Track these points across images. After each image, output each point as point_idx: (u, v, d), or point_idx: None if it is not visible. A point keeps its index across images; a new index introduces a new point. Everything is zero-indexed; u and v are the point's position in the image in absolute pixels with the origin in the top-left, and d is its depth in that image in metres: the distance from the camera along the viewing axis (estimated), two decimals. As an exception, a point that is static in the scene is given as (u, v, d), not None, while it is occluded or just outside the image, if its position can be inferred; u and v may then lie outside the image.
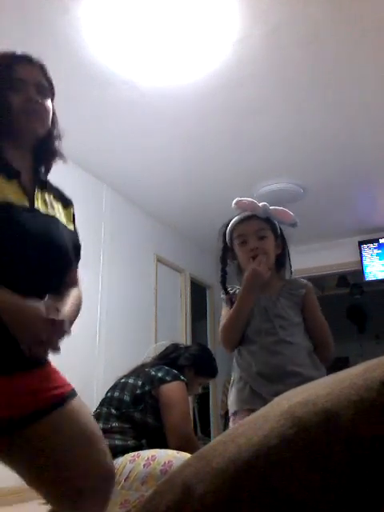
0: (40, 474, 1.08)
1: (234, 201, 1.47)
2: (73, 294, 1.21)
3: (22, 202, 1.08)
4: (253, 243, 1.40)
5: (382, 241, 5.38)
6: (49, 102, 1.18)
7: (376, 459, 0.36)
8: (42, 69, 1.18)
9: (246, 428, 0.46)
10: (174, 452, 1.69)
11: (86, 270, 3.86)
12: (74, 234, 1.27)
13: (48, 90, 1.18)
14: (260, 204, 1.43)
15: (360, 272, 5.48)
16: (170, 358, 2.17)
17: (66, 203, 1.28)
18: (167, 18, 2.35)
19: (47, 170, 1.25)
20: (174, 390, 1.92)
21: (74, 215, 1.30)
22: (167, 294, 5.05)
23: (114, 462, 1.71)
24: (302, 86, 2.91)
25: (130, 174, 4.03)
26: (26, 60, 1.16)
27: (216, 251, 1.53)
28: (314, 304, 1.47)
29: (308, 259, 5.86)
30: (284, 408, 0.44)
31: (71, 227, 1.26)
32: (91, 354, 3.65)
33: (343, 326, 8.08)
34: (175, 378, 1.97)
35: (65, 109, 3.37)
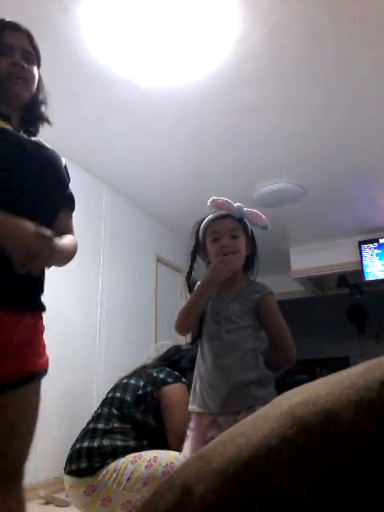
0: None
1: (210, 199, 1.50)
2: (67, 236, 1.23)
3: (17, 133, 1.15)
4: (225, 241, 1.43)
5: (382, 241, 5.38)
6: (34, 68, 1.23)
7: (376, 459, 0.36)
8: (28, 36, 1.24)
9: (245, 428, 0.46)
10: (176, 453, 1.69)
11: (86, 270, 3.87)
12: (69, 179, 1.32)
13: (34, 56, 1.24)
14: (235, 204, 1.46)
15: (360, 272, 5.48)
16: (172, 360, 2.17)
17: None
18: (167, 17, 2.35)
19: (34, 134, 1.29)
20: (175, 392, 1.92)
21: (66, 167, 1.33)
22: (167, 294, 5.05)
23: (115, 462, 1.71)
24: (302, 85, 2.91)
25: (130, 174, 4.03)
26: (13, 27, 1.22)
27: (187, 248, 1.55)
28: (269, 308, 1.47)
29: (308, 259, 5.86)
30: (284, 408, 0.44)
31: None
32: (91, 354, 3.64)
33: (343, 326, 8.09)
34: (177, 379, 1.97)
35: (65, 109, 3.40)
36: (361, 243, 5.46)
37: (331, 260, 5.72)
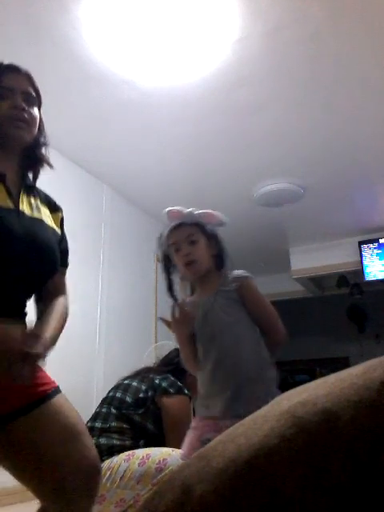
0: (24, 469, 1.09)
1: (165, 211, 1.55)
2: (59, 304, 1.22)
3: (6, 204, 1.10)
4: (185, 249, 1.46)
5: (382, 241, 5.38)
6: (36, 110, 1.21)
7: (376, 459, 0.36)
8: (28, 78, 1.22)
9: (246, 428, 0.46)
10: (169, 450, 1.70)
11: (86, 270, 3.87)
12: (62, 238, 1.29)
13: (35, 98, 1.22)
14: (186, 211, 1.49)
15: (360, 272, 5.48)
16: (174, 363, 2.18)
17: (55, 208, 1.30)
18: (167, 17, 2.35)
19: (35, 177, 1.27)
20: (176, 405, 1.92)
21: (62, 221, 1.31)
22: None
23: (110, 460, 1.71)
24: (302, 85, 2.91)
25: (130, 174, 4.03)
26: (14, 70, 1.20)
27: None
28: (250, 294, 1.47)
29: (308, 259, 5.86)
30: (284, 408, 0.44)
31: (58, 230, 1.27)
32: (91, 354, 3.64)
33: (343, 326, 8.09)
34: (179, 391, 1.97)
35: (65, 109, 3.39)
36: (361, 243, 5.46)
37: (331, 260, 5.72)
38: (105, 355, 3.79)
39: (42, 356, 1.04)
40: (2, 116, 1.13)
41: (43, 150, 1.26)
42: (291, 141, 3.54)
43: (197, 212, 1.50)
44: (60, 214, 1.31)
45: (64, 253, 1.30)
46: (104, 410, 1.93)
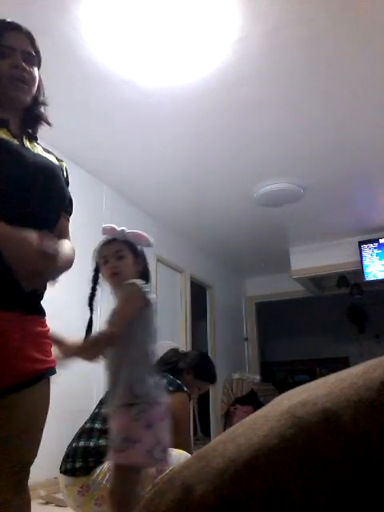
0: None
1: (102, 228, 1.68)
2: (66, 242, 1.26)
3: (13, 141, 1.15)
4: (112, 262, 1.59)
5: (382, 241, 5.38)
6: (35, 70, 1.22)
7: (376, 459, 0.36)
8: (29, 37, 1.24)
9: (246, 428, 0.46)
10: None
11: (86, 270, 3.86)
12: (66, 183, 1.33)
13: (35, 58, 1.23)
14: (119, 229, 1.65)
15: (360, 272, 5.48)
16: (171, 362, 2.18)
17: (57, 159, 1.33)
18: (167, 17, 2.35)
19: (34, 133, 1.30)
20: (175, 402, 1.92)
21: (66, 170, 1.35)
22: (167, 294, 5.05)
23: (109, 462, 1.71)
24: (302, 85, 2.91)
25: (130, 173, 4.03)
26: (15, 28, 1.21)
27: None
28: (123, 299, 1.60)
29: (308, 259, 5.87)
30: (284, 408, 0.44)
31: (64, 174, 1.31)
32: (91, 354, 3.64)
33: (343, 326, 8.09)
34: (178, 388, 1.97)
35: (65, 109, 3.39)
36: (361, 243, 5.46)
37: (331, 260, 5.72)
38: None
39: (58, 261, 1.06)
40: (2, 75, 1.15)
41: (42, 109, 1.29)
42: (291, 141, 3.54)
43: (128, 231, 1.65)
44: (64, 164, 1.35)
45: (70, 199, 1.35)
46: (103, 410, 1.93)
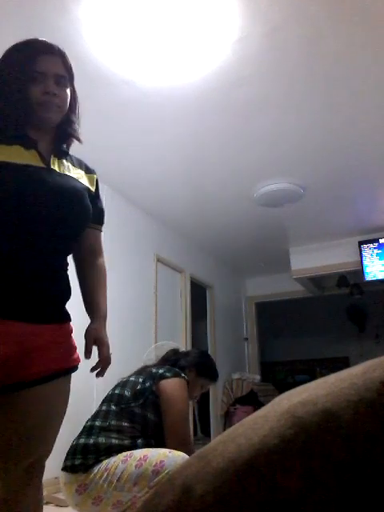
0: (8, 440, 1.12)
1: None
2: (100, 270, 1.42)
3: (39, 164, 1.20)
4: None
5: (382, 241, 5.38)
6: (66, 91, 1.26)
7: (376, 459, 0.36)
8: (62, 57, 1.27)
9: (245, 428, 0.46)
10: (166, 451, 1.70)
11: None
12: (97, 196, 1.40)
13: (66, 79, 1.27)
14: None
15: (360, 272, 5.48)
16: (172, 359, 2.19)
17: (88, 171, 1.39)
18: (167, 17, 2.35)
19: (67, 148, 1.36)
20: (173, 387, 1.92)
21: (97, 182, 1.42)
22: (167, 294, 5.05)
23: (107, 460, 1.72)
24: (302, 85, 2.91)
25: (130, 173, 4.03)
26: (48, 52, 1.23)
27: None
28: None
29: (308, 259, 5.87)
30: (284, 408, 0.44)
31: (93, 189, 1.38)
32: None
33: (343, 326, 8.10)
34: (176, 375, 1.98)
35: (65, 109, 3.35)
36: (361, 243, 5.46)
37: (331, 260, 5.72)
38: (105, 355, 3.79)
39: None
40: (33, 101, 1.18)
41: (74, 126, 1.33)
42: (291, 141, 3.55)
43: None
44: (95, 176, 1.41)
45: (100, 211, 1.43)
46: (104, 408, 1.94)
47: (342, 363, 7.72)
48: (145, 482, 1.61)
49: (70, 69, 1.30)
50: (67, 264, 1.30)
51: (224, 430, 5.67)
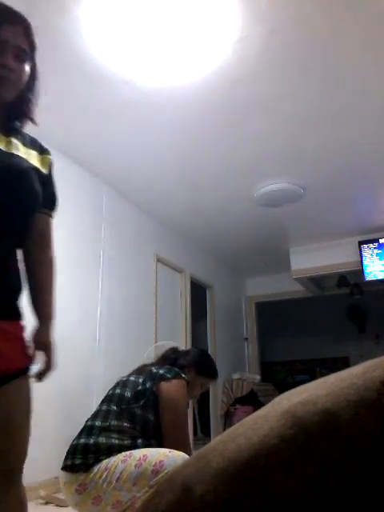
0: None
1: None
2: (49, 266, 1.28)
3: None
4: None
5: (382, 241, 5.38)
6: (24, 67, 1.16)
7: (376, 459, 0.36)
8: (25, 29, 1.17)
9: (245, 428, 0.46)
10: (166, 451, 1.70)
11: (86, 270, 3.87)
12: (49, 180, 1.28)
13: (27, 53, 1.17)
14: None
15: (360, 272, 5.49)
16: (171, 358, 2.19)
17: (42, 150, 1.28)
18: (167, 17, 2.35)
19: (20, 127, 1.25)
20: (173, 388, 1.93)
21: (51, 164, 1.30)
22: (167, 294, 5.05)
23: (107, 460, 1.72)
24: (302, 85, 2.91)
25: (130, 173, 4.03)
26: (11, 20, 1.14)
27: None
28: None
29: (308, 259, 5.87)
30: (284, 408, 0.44)
31: (45, 171, 1.26)
32: (91, 354, 3.64)
33: (343, 326, 8.10)
34: (176, 375, 1.98)
35: (65, 108, 3.39)
36: (361, 243, 5.46)
37: (331, 260, 5.72)
38: (105, 355, 3.79)
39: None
40: None
41: (29, 105, 1.23)
42: (291, 140, 3.55)
43: None
44: (48, 157, 1.29)
45: (51, 196, 1.29)
46: (104, 407, 1.94)
47: (342, 363, 7.72)
48: (144, 481, 1.61)
49: (33, 42, 1.19)
50: (15, 253, 1.19)
51: (224, 429, 5.67)
